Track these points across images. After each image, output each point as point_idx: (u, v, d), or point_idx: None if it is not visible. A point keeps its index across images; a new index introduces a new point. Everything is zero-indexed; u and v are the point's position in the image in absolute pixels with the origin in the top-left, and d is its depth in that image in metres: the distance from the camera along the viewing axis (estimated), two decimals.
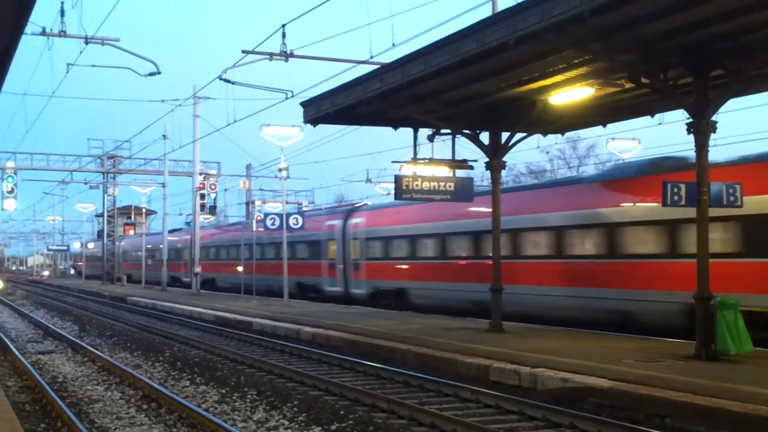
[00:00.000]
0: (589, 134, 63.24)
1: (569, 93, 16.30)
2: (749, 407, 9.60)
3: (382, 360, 16.19)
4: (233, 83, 26.09)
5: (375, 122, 21.39)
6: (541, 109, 17.82)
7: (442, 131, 20.58)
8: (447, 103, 18.74)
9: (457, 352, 15.14)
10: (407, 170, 20.12)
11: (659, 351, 14.59)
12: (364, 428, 10.51)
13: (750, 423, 9.36)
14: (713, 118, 14.26)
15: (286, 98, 25.14)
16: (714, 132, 14.34)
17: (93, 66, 28.12)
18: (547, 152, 53.21)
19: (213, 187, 45.82)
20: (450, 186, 19.87)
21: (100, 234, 73.31)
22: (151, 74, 24.91)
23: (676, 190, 14.10)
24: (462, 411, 11.77)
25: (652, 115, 19.01)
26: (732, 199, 14.34)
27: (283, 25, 21.59)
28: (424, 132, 20.81)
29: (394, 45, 19.52)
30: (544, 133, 22.27)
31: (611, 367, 12.59)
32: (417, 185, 19.58)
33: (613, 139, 32.90)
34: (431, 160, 20.38)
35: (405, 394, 13.10)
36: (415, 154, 20.46)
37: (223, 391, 13.64)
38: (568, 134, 25.97)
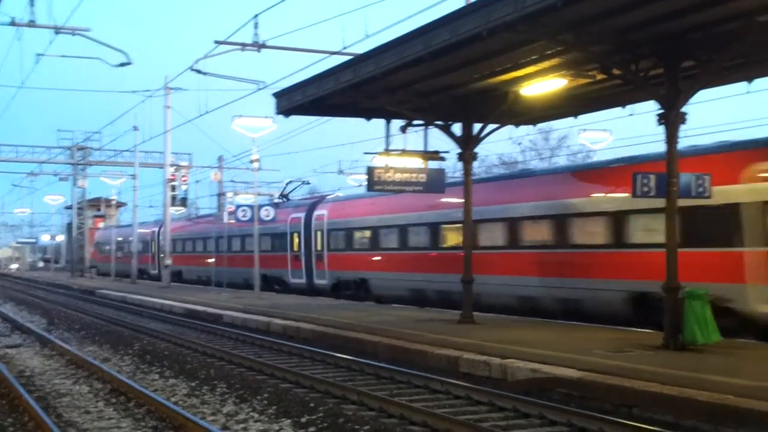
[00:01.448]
0: (561, 125, 63.42)
1: (542, 84, 16.30)
2: (715, 396, 9.66)
3: (353, 352, 16.15)
4: (205, 74, 25.92)
5: (348, 113, 21.32)
6: (514, 100, 17.82)
7: (415, 122, 20.53)
8: (420, 94, 18.71)
9: (427, 344, 15.13)
10: (379, 161, 20.07)
11: (628, 341, 14.66)
12: (334, 420, 10.45)
13: (716, 412, 9.41)
14: (683, 110, 14.33)
15: (258, 89, 25.01)
16: (684, 123, 14.41)
17: (63, 56, 27.86)
18: (520, 143, 53.30)
19: (184, 178, 45.54)
20: (422, 177, 19.83)
21: (69, 226, 72.68)
22: (121, 65, 24.65)
23: (645, 180, 14.16)
24: (432, 402, 11.75)
25: (624, 106, 19.05)
26: (701, 190, 14.42)
27: (256, 16, 21.48)
28: (397, 123, 20.77)
29: (367, 36, 19.46)
30: (517, 124, 22.28)
31: (580, 358, 12.63)
32: (389, 176, 19.52)
33: (585, 130, 33.02)
34: (403, 152, 20.33)
35: (375, 386, 13.06)
36: (388, 145, 20.41)
37: (193, 384, 13.54)
38: (540, 125, 26.02)
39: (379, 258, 27.97)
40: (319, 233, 31.67)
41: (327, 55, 22.85)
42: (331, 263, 30.89)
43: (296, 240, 33.43)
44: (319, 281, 31.77)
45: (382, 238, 27.82)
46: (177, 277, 45.66)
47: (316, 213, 32.40)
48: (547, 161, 53.89)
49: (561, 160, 51.99)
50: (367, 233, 28.67)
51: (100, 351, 18.33)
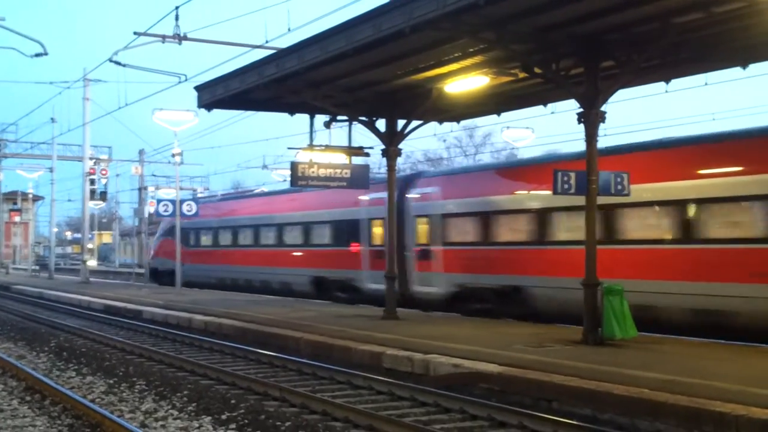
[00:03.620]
0: (485, 122, 63.99)
1: (464, 81, 16.42)
2: (632, 390, 9.87)
3: (276, 348, 16.05)
4: (125, 66, 25.39)
5: (271, 108, 21.16)
6: (437, 96, 17.92)
7: (339, 118, 20.49)
8: (344, 90, 18.66)
9: (351, 340, 15.12)
10: (303, 157, 19.96)
11: (548, 336, 14.88)
12: (256, 417, 10.37)
13: (632, 405, 9.61)
14: (603, 108, 14.58)
15: (179, 82, 24.60)
16: (603, 122, 14.66)
17: None
18: (444, 140, 53.72)
19: (104, 172, 44.58)
20: (346, 173, 19.82)
21: None
22: (37, 55, 24.03)
23: (566, 178, 14.37)
24: (354, 398, 11.74)
25: (545, 105, 19.32)
26: (620, 187, 14.70)
27: (177, 7, 21.10)
28: (322, 118, 20.69)
29: (290, 30, 19.33)
30: (440, 121, 22.43)
31: (501, 353, 12.77)
32: (313, 172, 19.47)
33: (508, 127, 33.40)
34: (327, 147, 20.26)
35: (298, 382, 13.00)
36: (312, 140, 20.32)
37: (111, 381, 13.28)
38: (465, 122, 26.26)
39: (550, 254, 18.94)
40: (424, 220, 22.69)
41: (249, 48, 22.60)
42: (451, 263, 21.80)
43: (376, 230, 24.61)
44: (422, 288, 22.68)
45: (555, 223, 18.92)
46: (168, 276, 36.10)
47: (417, 192, 23.20)
48: (471, 158, 54.41)
49: (485, 157, 52.52)
50: (529, 218, 19.54)
51: (15, 348, 17.85)
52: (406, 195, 23.36)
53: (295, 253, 28.49)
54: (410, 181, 24.10)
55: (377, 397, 11.87)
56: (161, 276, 38.15)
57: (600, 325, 13.89)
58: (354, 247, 25.37)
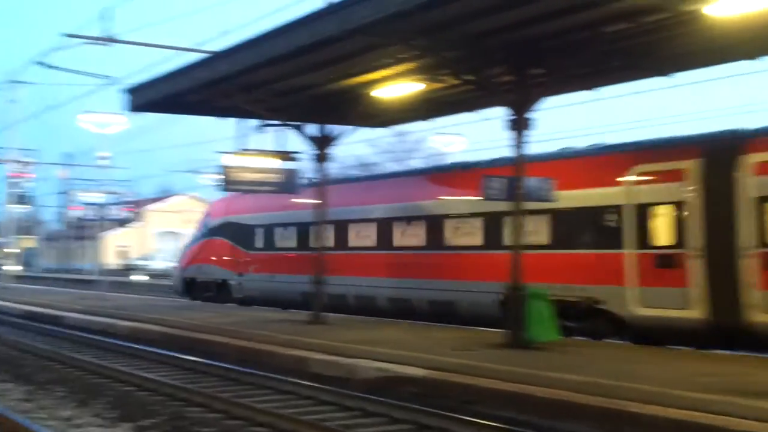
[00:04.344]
0: (417, 128, 64.24)
1: (396, 87, 16.47)
2: (553, 392, 9.97)
3: (202, 354, 15.81)
4: (52, 67, 24.94)
5: (202, 111, 20.92)
6: (369, 102, 17.93)
7: (271, 122, 20.37)
8: (276, 94, 18.54)
9: (277, 345, 14.99)
10: (234, 161, 19.77)
11: (474, 340, 14.96)
12: (178, 423, 10.20)
13: (553, 407, 9.71)
14: (532, 115, 14.73)
15: (109, 84, 24.27)
16: (532, 128, 14.79)
17: None
18: (376, 146, 53.85)
19: (28, 175, 43.61)
20: (277, 177, 19.70)
21: None
22: None
23: (493, 184, 14.49)
24: (279, 403, 11.60)
25: (476, 111, 19.43)
26: (544, 193, 14.89)
27: (106, 9, 20.82)
28: (254, 122, 20.55)
29: (224, 33, 19.18)
30: (372, 127, 22.42)
31: (427, 357, 12.77)
32: (244, 176, 19.31)
33: (440, 134, 33.60)
34: (258, 151, 20.10)
35: (222, 388, 12.81)
36: (243, 144, 20.19)
37: (29, 388, 12.92)
38: (397, 128, 26.34)
39: None
40: None
41: (181, 51, 22.40)
42: None
43: (658, 221, 15.73)
44: None
45: None
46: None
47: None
48: (403, 163, 54.58)
49: (416, 163, 52.67)
50: None
51: None
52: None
53: (472, 259, 19.11)
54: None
55: (302, 402, 11.75)
56: (199, 289, 28.68)
57: (524, 328, 14.01)
58: (604, 250, 16.49)
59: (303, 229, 24.29)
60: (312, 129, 19.68)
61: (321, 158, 19.55)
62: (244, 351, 15.26)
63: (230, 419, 10.66)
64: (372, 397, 11.29)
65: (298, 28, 14.42)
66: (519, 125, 14.57)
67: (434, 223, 20.21)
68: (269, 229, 26.01)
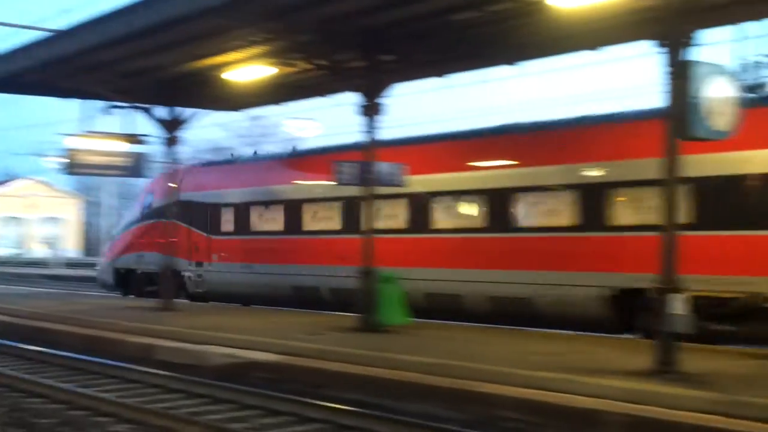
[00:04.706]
0: (272, 112, 63.70)
1: (248, 71, 16.25)
2: (402, 374, 10.15)
3: (46, 343, 15.23)
4: None
5: (43, 92, 20.07)
6: (220, 85, 17.62)
7: (119, 104, 19.76)
8: (122, 75, 17.96)
9: (124, 332, 14.64)
10: (79, 143, 19.10)
11: (325, 324, 15.02)
12: (17, 415, 9.81)
13: (403, 388, 9.89)
14: (383, 101, 14.85)
15: None
16: (382, 114, 14.90)
17: None
18: (231, 130, 53.13)
19: None
20: (124, 161, 19.19)
21: None
22: None
23: (345, 169, 14.56)
24: (125, 392, 11.32)
25: (328, 96, 19.43)
26: (395, 178, 15.07)
27: None
28: (101, 103, 19.87)
29: (65, 11, 18.46)
30: (224, 110, 22.09)
31: (277, 342, 12.73)
32: (89, 160, 18.72)
33: (295, 118, 33.43)
34: (104, 134, 19.48)
35: (66, 378, 12.40)
36: (89, 126, 19.49)
37: None
38: (252, 112, 26.06)
39: None
40: None
41: (21, 28, 21.48)
42: None
43: None
44: None
45: None
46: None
47: None
48: (257, 148, 54.05)
49: (271, 148, 52.17)
50: None
51: None
52: None
53: (568, 243, 15.17)
54: None
55: (149, 391, 11.50)
56: (138, 281, 23.42)
57: (374, 312, 14.17)
58: None
59: (305, 208, 19.87)
60: (161, 111, 19.23)
61: (170, 142, 19.13)
62: (90, 339, 14.83)
63: (73, 410, 10.33)
64: (222, 383, 11.18)
65: (143, 8, 14.01)
66: (370, 110, 14.68)
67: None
68: (244, 209, 21.49)
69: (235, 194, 21.75)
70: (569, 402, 8.62)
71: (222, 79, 17.19)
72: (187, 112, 19.23)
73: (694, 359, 10.17)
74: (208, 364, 12.34)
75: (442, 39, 14.12)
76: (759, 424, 7.46)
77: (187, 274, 22.16)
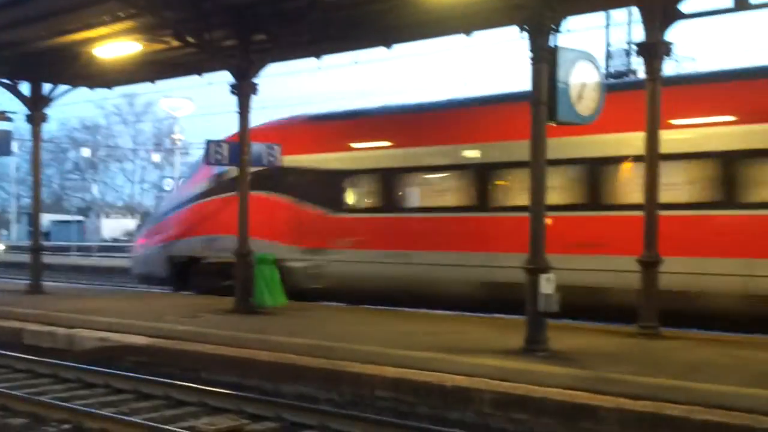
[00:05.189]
0: (146, 90, 62.52)
1: (115, 47, 15.81)
2: (278, 356, 10.16)
3: None
4: None
5: None
6: (87, 61, 17.07)
7: None
8: None
9: None
10: None
11: (203, 307, 14.85)
12: None
13: (278, 370, 9.91)
14: (256, 81, 14.75)
15: None
16: (255, 94, 14.83)
17: None
18: (103, 108, 51.72)
19: None
20: None
21: None
22: None
23: (218, 149, 14.43)
24: None
25: (201, 74, 19.13)
26: (271, 158, 15.03)
27: None
28: None
29: None
30: (91, 87, 21.38)
31: (152, 324, 12.56)
32: None
33: (168, 97, 32.82)
34: None
35: None
36: None
37: None
38: (125, 90, 25.40)
39: None
40: None
41: None
42: None
43: None
44: None
45: None
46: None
47: None
48: (132, 127, 52.81)
49: (146, 127, 51.15)
50: None
51: None
52: None
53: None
54: None
55: (16, 376, 11.19)
56: (207, 274, 17.96)
57: (251, 293, 14.13)
58: None
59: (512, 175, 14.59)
60: (26, 88, 18.53)
61: (36, 119, 18.47)
62: None
63: None
64: (92, 367, 10.97)
65: None
66: (242, 90, 14.59)
67: None
68: (397, 177, 16.01)
69: (381, 157, 16.17)
70: (441, 380, 8.82)
71: (91, 56, 16.66)
72: (53, 88, 18.60)
73: (563, 337, 10.60)
74: (78, 348, 12.06)
75: (314, 20, 14.09)
76: (622, 399, 7.79)
77: (294, 264, 16.52)
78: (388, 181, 15.95)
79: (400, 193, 15.99)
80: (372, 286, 15.72)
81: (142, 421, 8.51)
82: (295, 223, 16.76)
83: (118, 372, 10.72)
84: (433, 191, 15.84)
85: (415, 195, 15.98)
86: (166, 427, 8.24)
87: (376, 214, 16.16)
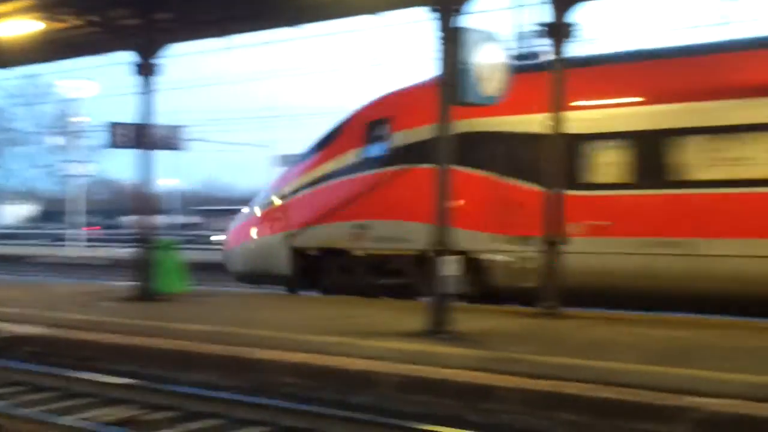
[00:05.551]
0: (46, 70, 60.58)
1: (13, 25, 15.21)
2: (177, 343, 9.91)
3: None
4: None
5: None
6: None
7: None
8: None
9: None
10: None
11: (100, 295, 14.54)
12: None
13: (177, 358, 9.64)
14: (160, 61, 14.37)
15: None
16: (159, 74, 14.48)
17: None
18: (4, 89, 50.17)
19: None
20: None
21: None
22: None
23: (120, 131, 14.09)
24: None
25: (103, 54, 18.56)
26: (174, 142, 14.73)
27: None
28: None
29: None
30: None
31: (47, 314, 12.16)
32: None
33: (69, 78, 31.86)
34: None
35: None
36: None
37: None
38: (24, 70, 24.53)
39: None
40: None
41: None
42: None
43: None
44: None
45: None
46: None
47: None
48: (33, 109, 51.29)
49: (49, 108, 49.62)
50: None
51: None
52: None
53: None
54: None
55: None
56: (353, 271, 14.72)
57: (150, 280, 13.80)
58: None
59: None
60: None
61: None
62: None
63: None
64: None
65: None
66: (146, 70, 14.21)
67: None
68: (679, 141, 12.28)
69: (652, 115, 12.45)
70: (345, 365, 8.68)
71: None
72: None
73: (468, 319, 10.55)
74: None
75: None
76: (524, 379, 7.76)
77: (495, 257, 13.40)
78: (660, 147, 12.25)
79: (683, 163, 12.17)
80: (625, 284, 12.16)
81: (34, 415, 8.14)
82: (499, 204, 13.44)
83: (7, 365, 10.26)
84: (735, 160, 11.83)
85: (705, 164, 12.03)
86: (60, 419, 7.90)
87: (637, 190, 12.42)
